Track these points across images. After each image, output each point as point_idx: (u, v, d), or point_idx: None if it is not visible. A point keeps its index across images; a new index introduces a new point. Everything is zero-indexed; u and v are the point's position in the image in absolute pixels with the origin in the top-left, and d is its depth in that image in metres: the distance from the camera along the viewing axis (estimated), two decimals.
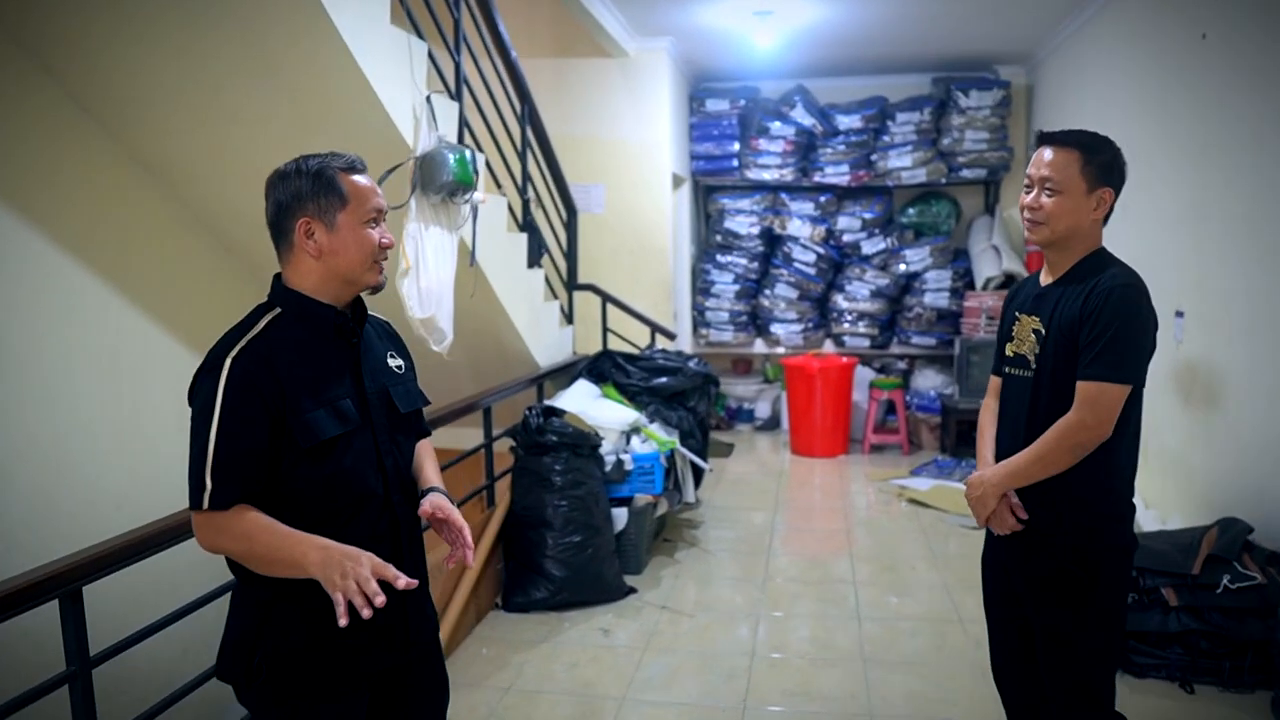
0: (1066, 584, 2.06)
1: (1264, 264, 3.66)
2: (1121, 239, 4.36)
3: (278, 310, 1.62)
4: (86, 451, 3.40)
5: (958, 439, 6.54)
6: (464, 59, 3.93)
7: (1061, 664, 2.10)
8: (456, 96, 3.87)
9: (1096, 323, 1.97)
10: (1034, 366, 2.10)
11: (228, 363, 1.53)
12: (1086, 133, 2.07)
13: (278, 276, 1.66)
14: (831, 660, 3.49)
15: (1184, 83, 4.31)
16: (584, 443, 4.03)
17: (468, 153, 3.35)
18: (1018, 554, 2.16)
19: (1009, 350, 2.20)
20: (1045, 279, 2.15)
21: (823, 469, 6.58)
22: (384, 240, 1.66)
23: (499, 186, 4.41)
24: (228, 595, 1.73)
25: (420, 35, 3.49)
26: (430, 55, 3.57)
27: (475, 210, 3.77)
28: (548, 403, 4.50)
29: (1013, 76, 7.11)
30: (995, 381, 2.28)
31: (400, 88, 3.24)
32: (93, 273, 3.38)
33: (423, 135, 3.27)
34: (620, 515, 4.28)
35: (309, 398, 1.57)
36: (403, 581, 1.45)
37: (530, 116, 4.82)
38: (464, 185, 3.30)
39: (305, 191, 1.58)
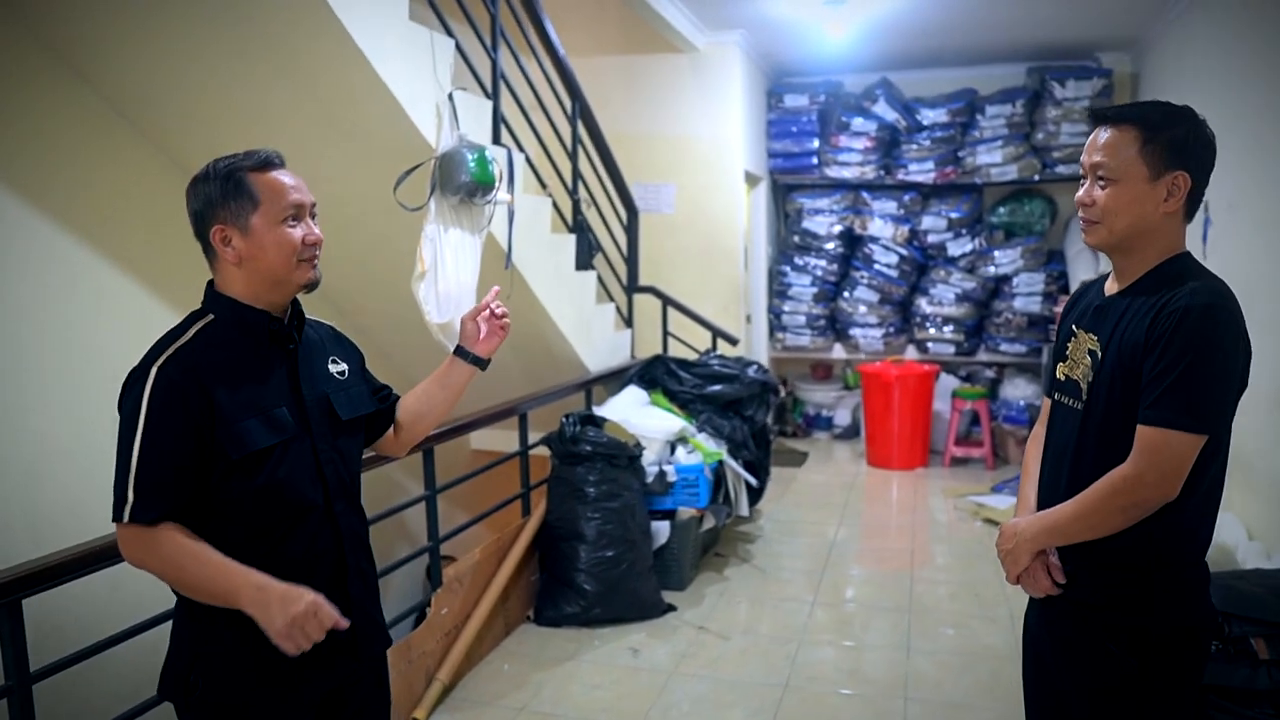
0: (1107, 669, 1.66)
1: None
2: (1225, 248, 3.95)
3: (210, 317, 1.57)
4: (99, 450, 3.42)
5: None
6: (503, 56, 3.82)
7: None
8: (493, 94, 3.76)
9: (1166, 351, 1.54)
10: (1085, 397, 1.68)
11: (153, 371, 1.47)
12: (1149, 104, 1.65)
13: (210, 283, 1.61)
14: (870, 698, 3.23)
15: None
16: (620, 453, 3.86)
17: (489, 151, 3.23)
18: (1054, 622, 1.76)
19: (1060, 372, 1.78)
20: (1110, 287, 1.72)
21: (898, 482, 6.24)
22: (309, 237, 1.58)
23: (543, 186, 4.29)
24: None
25: (449, 32, 3.40)
26: (461, 51, 3.47)
27: (511, 212, 3.66)
28: (594, 409, 4.36)
29: (1116, 64, 6.60)
30: (1046, 405, 1.86)
31: (421, 85, 3.14)
32: (121, 269, 3.41)
33: (444, 134, 3.17)
34: (661, 529, 4.10)
35: (240, 407, 1.51)
36: (342, 624, 1.44)
37: (582, 114, 4.68)
38: (483, 185, 3.18)
39: (215, 197, 1.53)
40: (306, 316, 1.67)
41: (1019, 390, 6.76)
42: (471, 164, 3.13)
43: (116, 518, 1.45)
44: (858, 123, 6.95)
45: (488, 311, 1.83)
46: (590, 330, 4.73)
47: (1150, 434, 1.55)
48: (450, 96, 3.21)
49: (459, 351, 1.83)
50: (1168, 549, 1.62)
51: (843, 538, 5.05)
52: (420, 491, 3.37)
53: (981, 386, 6.82)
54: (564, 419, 3.98)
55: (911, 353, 7.20)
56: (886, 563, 4.66)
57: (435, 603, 3.26)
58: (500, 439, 4.50)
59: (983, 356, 7.07)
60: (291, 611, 1.37)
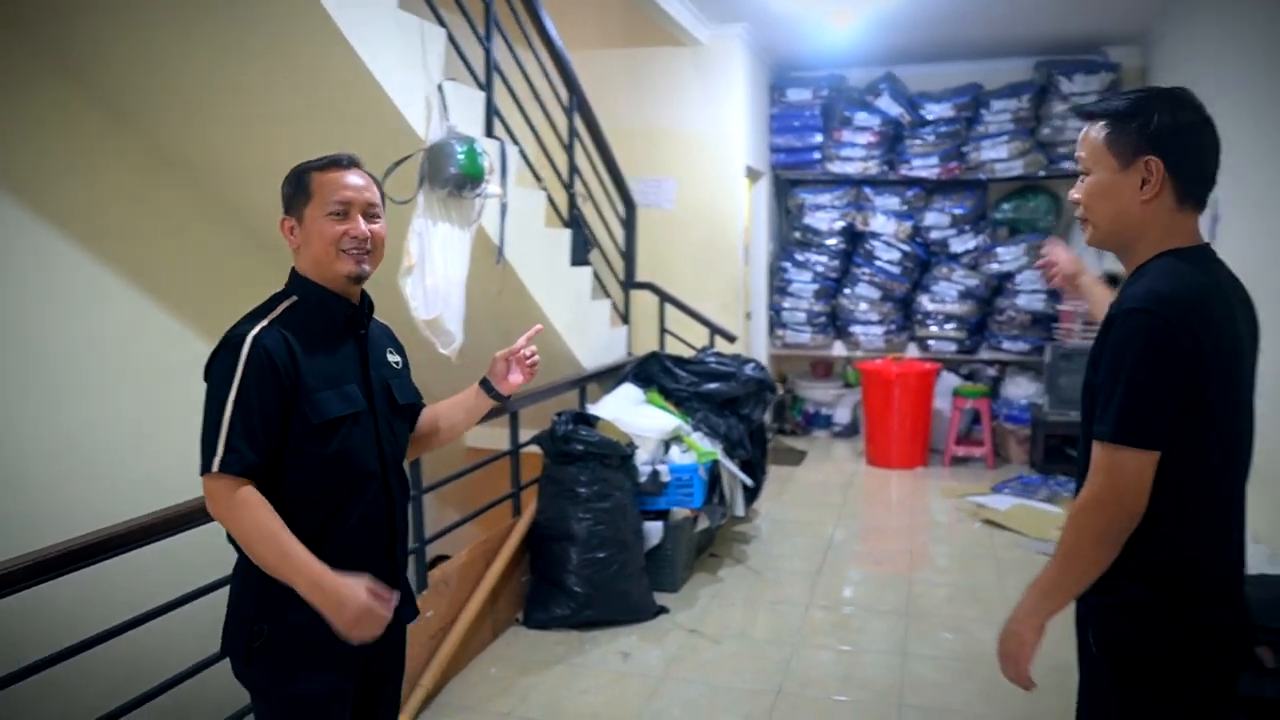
0: (1094, 676, 1.64)
1: None
2: (1233, 246, 3.86)
3: (295, 298, 1.72)
4: (106, 447, 3.38)
5: (1046, 454, 6.01)
6: (496, 47, 3.74)
7: None
8: (486, 86, 3.69)
9: (1104, 361, 1.50)
10: (1081, 413, 1.61)
11: (249, 339, 1.61)
12: (1125, 92, 1.60)
13: (294, 269, 1.77)
14: (864, 704, 3.16)
15: None
16: (613, 452, 3.79)
17: (479, 143, 3.16)
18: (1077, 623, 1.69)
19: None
20: None
21: (898, 481, 6.17)
22: (351, 230, 1.71)
23: (538, 180, 4.22)
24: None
25: (441, 22, 3.33)
26: (453, 42, 3.40)
27: (503, 206, 3.59)
28: (588, 408, 4.29)
29: (1124, 58, 6.50)
30: None
31: (410, 75, 3.07)
32: (111, 267, 3.35)
33: (433, 125, 3.10)
34: (654, 530, 4.03)
35: (319, 379, 1.66)
36: (392, 605, 1.61)
37: (579, 107, 4.61)
38: (473, 178, 3.11)
39: (287, 193, 1.74)
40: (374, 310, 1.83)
41: (1020, 389, 6.68)
42: (460, 156, 3.05)
43: (205, 469, 1.57)
44: (861, 117, 6.87)
45: (520, 354, 1.95)
46: (585, 326, 4.65)
47: (1098, 450, 1.50)
48: (440, 87, 3.13)
49: (484, 384, 1.96)
50: (1151, 563, 1.52)
51: (840, 538, 4.98)
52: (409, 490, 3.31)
53: (983, 385, 6.74)
54: (556, 417, 3.91)
55: (913, 350, 7.12)
56: (884, 564, 4.59)
57: (420, 605, 3.18)
58: (492, 437, 4.43)
59: (984, 354, 6.99)
60: (347, 616, 1.54)
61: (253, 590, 1.65)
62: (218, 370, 1.61)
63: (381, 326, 1.89)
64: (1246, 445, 1.59)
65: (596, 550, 3.70)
